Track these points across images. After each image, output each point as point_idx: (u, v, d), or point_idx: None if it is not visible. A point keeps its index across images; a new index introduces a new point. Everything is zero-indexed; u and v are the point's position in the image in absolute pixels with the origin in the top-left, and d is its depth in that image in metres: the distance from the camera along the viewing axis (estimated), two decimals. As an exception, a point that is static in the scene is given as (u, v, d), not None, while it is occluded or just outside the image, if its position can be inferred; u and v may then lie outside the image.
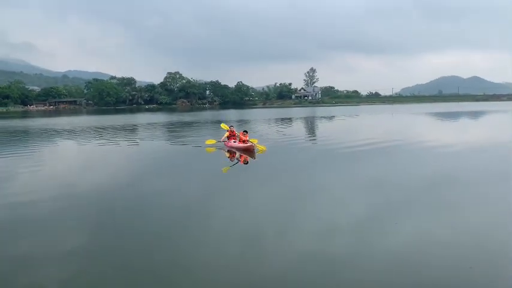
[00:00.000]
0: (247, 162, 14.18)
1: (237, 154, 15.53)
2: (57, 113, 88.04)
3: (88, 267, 5.59)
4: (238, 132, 17.36)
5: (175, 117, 52.57)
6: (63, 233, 7.00)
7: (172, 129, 32.42)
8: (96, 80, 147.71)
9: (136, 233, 6.90)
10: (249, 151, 15.58)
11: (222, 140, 17.55)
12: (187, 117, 53.96)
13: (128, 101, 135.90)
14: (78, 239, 6.63)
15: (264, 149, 15.93)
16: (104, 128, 32.39)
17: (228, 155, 15.85)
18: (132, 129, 32.62)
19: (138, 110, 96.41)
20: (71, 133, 28.18)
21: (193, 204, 8.69)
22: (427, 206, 8.20)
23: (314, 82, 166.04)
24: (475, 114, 47.49)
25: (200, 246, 6.25)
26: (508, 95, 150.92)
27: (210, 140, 18.37)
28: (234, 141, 16.73)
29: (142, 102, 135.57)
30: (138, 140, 22.62)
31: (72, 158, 16.32)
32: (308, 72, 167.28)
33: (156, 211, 8.16)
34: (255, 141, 16.66)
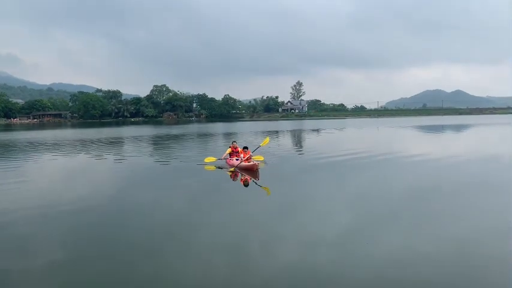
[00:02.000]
0: (248, 184, 12.62)
1: (239, 174, 14.09)
2: (41, 126, 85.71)
3: (70, 281, 5.50)
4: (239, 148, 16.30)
5: (163, 130, 51.36)
6: (47, 247, 6.88)
7: (161, 142, 31.20)
8: (81, 92, 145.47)
9: (123, 249, 6.73)
10: (252, 171, 14.27)
11: (223, 158, 16.29)
12: (174, 130, 52.83)
13: (113, 114, 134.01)
14: (61, 254, 6.50)
15: (262, 159, 16.04)
16: (90, 142, 30.93)
17: (230, 174, 14.52)
18: (119, 142, 31.27)
19: (124, 123, 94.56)
20: (55, 147, 26.68)
21: (183, 221, 8.40)
22: (410, 217, 8.35)
23: (301, 95, 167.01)
24: (460, 128, 47.80)
25: (188, 262, 6.16)
26: (490, 108, 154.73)
27: (209, 157, 16.82)
28: (237, 159, 15.36)
29: (128, 115, 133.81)
30: (127, 155, 21.15)
31: (56, 174, 14.87)
32: (295, 85, 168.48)
33: (145, 229, 7.79)
34: (262, 158, 15.64)
